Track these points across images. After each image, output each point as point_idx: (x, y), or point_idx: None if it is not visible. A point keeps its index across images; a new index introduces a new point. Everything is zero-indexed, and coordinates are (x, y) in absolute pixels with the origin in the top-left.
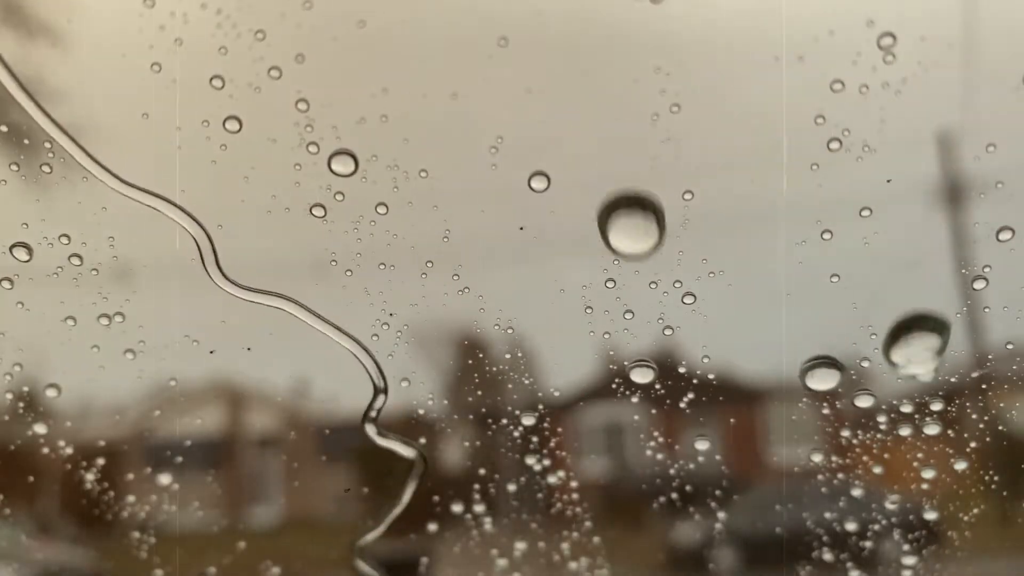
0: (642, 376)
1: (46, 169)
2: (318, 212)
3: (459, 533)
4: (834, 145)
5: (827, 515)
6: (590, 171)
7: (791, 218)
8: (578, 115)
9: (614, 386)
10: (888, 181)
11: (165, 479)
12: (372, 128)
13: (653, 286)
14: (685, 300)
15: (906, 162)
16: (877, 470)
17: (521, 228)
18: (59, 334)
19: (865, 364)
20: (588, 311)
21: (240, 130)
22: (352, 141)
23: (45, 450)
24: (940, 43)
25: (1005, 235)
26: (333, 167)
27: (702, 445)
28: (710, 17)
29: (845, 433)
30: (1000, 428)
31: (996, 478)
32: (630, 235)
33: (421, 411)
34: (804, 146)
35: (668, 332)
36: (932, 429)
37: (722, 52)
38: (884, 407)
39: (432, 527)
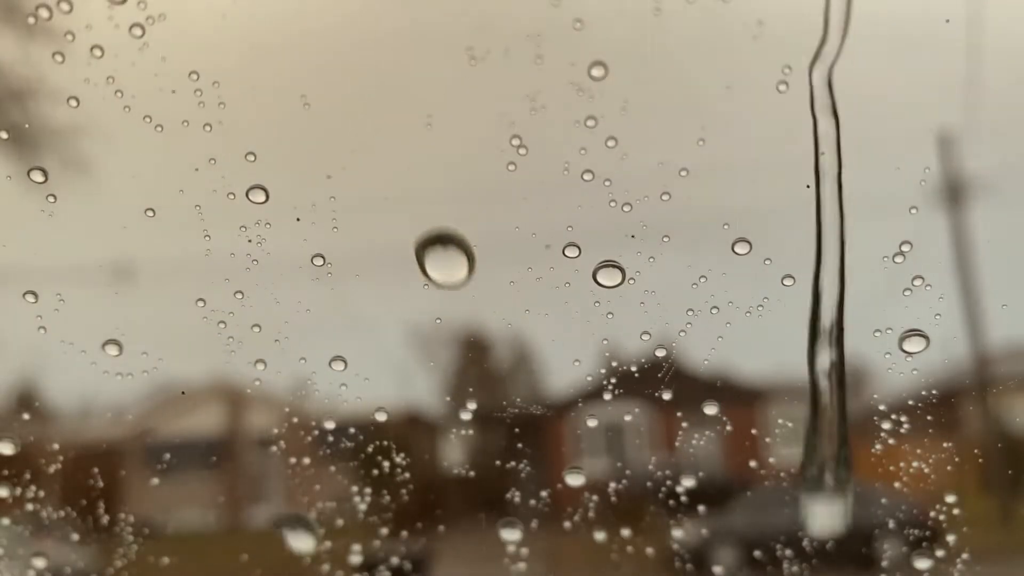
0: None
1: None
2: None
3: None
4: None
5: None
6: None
7: (790, 218)
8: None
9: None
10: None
11: (166, 479)
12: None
13: (648, 291)
14: (683, 300)
15: (906, 162)
16: (876, 471)
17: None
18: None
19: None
20: (587, 312)
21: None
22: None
23: (45, 450)
24: (941, 42)
25: (1004, 235)
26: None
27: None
28: (710, 19)
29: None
30: (1000, 428)
31: (996, 478)
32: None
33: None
34: (803, 146)
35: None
36: (931, 430)
37: (722, 53)
38: (886, 409)
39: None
